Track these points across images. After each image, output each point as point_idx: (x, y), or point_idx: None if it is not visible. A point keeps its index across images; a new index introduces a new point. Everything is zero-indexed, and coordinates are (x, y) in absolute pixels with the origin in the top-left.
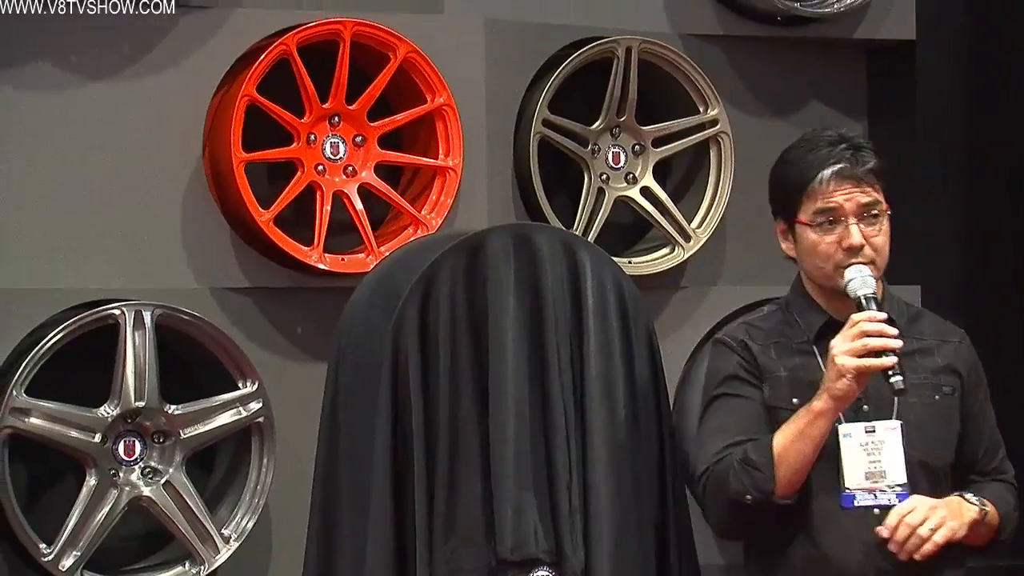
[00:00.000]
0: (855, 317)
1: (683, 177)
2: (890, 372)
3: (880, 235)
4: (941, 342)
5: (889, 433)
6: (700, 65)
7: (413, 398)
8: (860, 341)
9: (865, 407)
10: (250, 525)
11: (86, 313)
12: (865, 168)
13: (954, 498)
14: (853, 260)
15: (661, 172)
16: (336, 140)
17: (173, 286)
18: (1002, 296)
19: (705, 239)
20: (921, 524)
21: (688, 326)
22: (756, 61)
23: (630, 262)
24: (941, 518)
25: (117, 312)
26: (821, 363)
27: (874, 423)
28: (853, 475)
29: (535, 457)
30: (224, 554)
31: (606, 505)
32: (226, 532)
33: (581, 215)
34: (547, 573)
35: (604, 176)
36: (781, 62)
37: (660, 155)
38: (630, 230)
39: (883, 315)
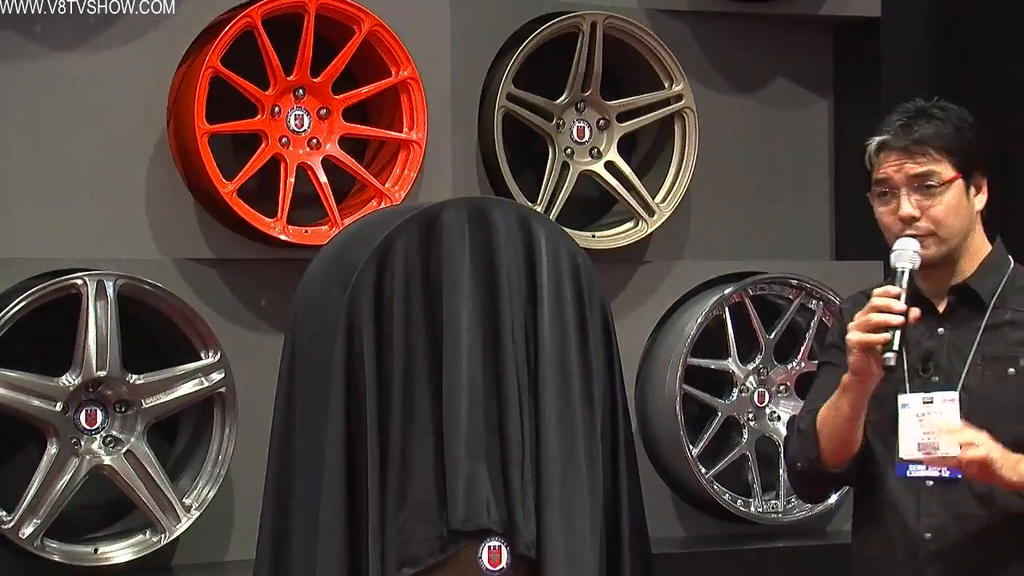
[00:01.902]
0: (875, 291)
1: (648, 152)
2: (884, 348)
3: (939, 206)
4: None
5: (946, 404)
6: (665, 40)
7: (367, 370)
8: (867, 316)
9: (935, 377)
10: (211, 494)
11: (48, 283)
12: (914, 137)
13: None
14: (910, 232)
15: (626, 147)
16: (300, 112)
17: (136, 256)
18: None
19: (669, 214)
20: (968, 444)
21: (652, 300)
22: (721, 37)
23: (594, 236)
24: (984, 442)
25: (79, 282)
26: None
27: (932, 394)
28: (907, 445)
29: (488, 429)
30: (185, 523)
31: (558, 478)
32: (187, 501)
33: (545, 189)
34: (499, 544)
35: (569, 150)
36: (746, 38)
37: (625, 130)
38: (594, 204)
39: (896, 289)
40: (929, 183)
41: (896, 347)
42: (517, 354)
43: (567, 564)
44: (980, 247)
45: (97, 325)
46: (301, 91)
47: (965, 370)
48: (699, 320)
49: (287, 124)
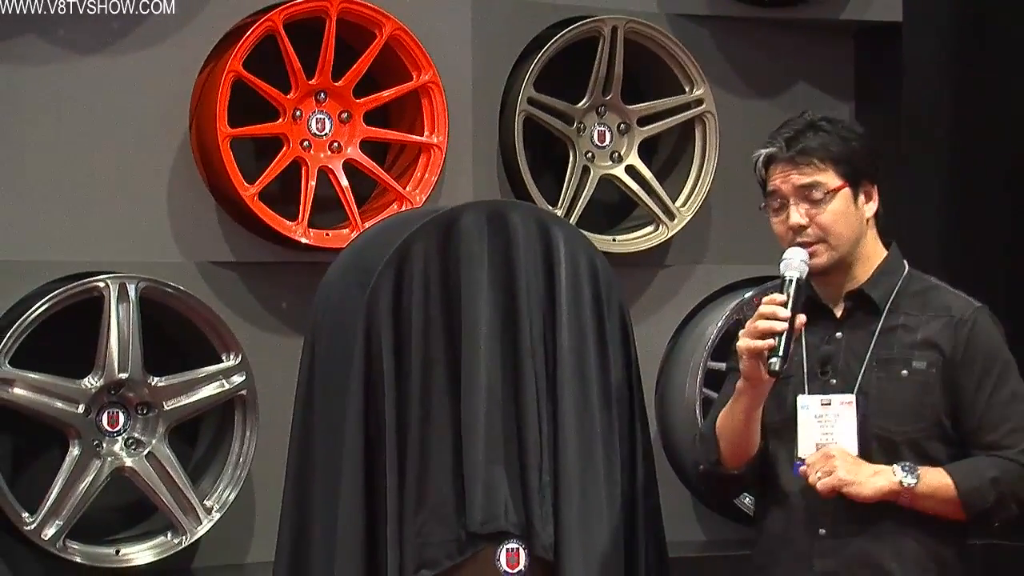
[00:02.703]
0: (763, 299)
1: (668, 156)
2: (769, 354)
3: (826, 215)
4: (931, 317)
5: (843, 407)
6: (686, 45)
7: (386, 373)
8: (754, 323)
9: (833, 380)
10: (232, 496)
11: (71, 285)
12: (799, 149)
13: (881, 465)
14: (800, 240)
15: (646, 151)
16: (322, 116)
17: (158, 259)
18: (988, 277)
19: (689, 218)
20: (816, 470)
21: (672, 304)
22: (743, 42)
23: (614, 240)
24: (832, 467)
25: (102, 284)
26: (803, 335)
27: (831, 396)
28: (805, 445)
29: (506, 432)
30: (206, 525)
31: (576, 481)
32: (208, 503)
33: (566, 193)
34: (516, 546)
35: (589, 154)
36: (768, 43)
37: (645, 134)
38: (615, 208)
39: (782, 297)
40: (815, 193)
41: (781, 353)
42: (535, 357)
43: (585, 566)
44: (874, 253)
45: (119, 328)
46: (323, 95)
47: (861, 373)
48: (719, 324)
49: (308, 128)
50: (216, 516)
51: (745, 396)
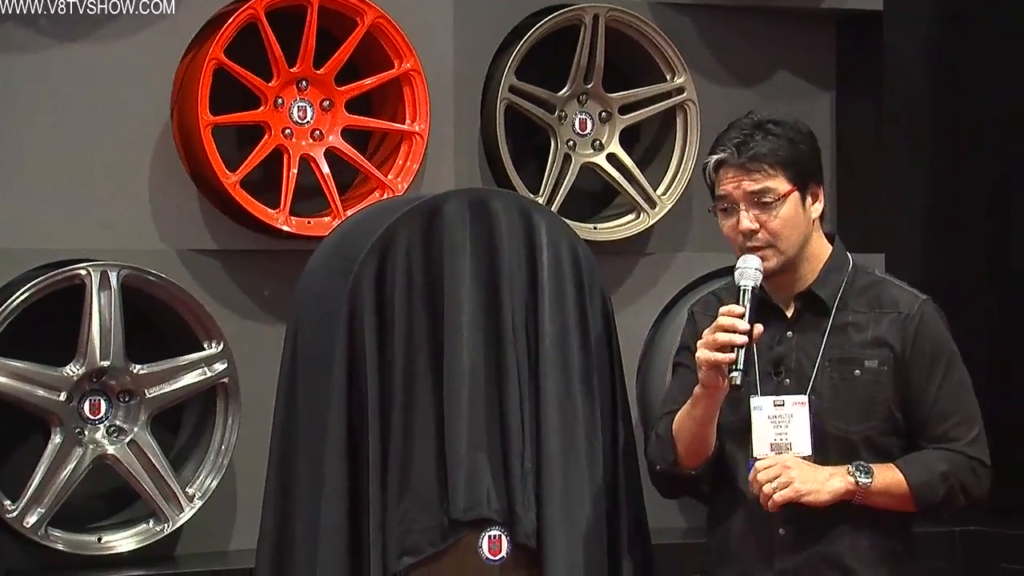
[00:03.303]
0: (721, 310)
1: (649, 144)
2: (731, 367)
3: (775, 220)
4: (880, 314)
5: (796, 407)
6: (667, 33)
7: (368, 360)
8: (713, 335)
9: (787, 380)
10: (214, 484)
11: (52, 273)
12: (750, 155)
13: (837, 467)
14: (750, 244)
15: (628, 139)
16: (303, 104)
17: (140, 247)
18: (967, 264)
19: (671, 206)
20: (770, 481)
21: (653, 292)
22: (724, 30)
23: (596, 228)
24: (789, 479)
25: (83, 272)
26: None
27: (784, 397)
28: (760, 446)
29: (488, 419)
30: (188, 512)
31: (558, 468)
32: (190, 491)
33: (547, 181)
34: (499, 533)
35: (571, 142)
36: (749, 31)
37: (627, 122)
38: (596, 196)
39: (741, 309)
40: (765, 199)
41: (741, 367)
42: (518, 345)
43: (567, 554)
44: (820, 251)
45: (101, 315)
46: (304, 83)
47: (814, 373)
48: None
49: (290, 116)
50: (198, 504)
51: (702, 402)
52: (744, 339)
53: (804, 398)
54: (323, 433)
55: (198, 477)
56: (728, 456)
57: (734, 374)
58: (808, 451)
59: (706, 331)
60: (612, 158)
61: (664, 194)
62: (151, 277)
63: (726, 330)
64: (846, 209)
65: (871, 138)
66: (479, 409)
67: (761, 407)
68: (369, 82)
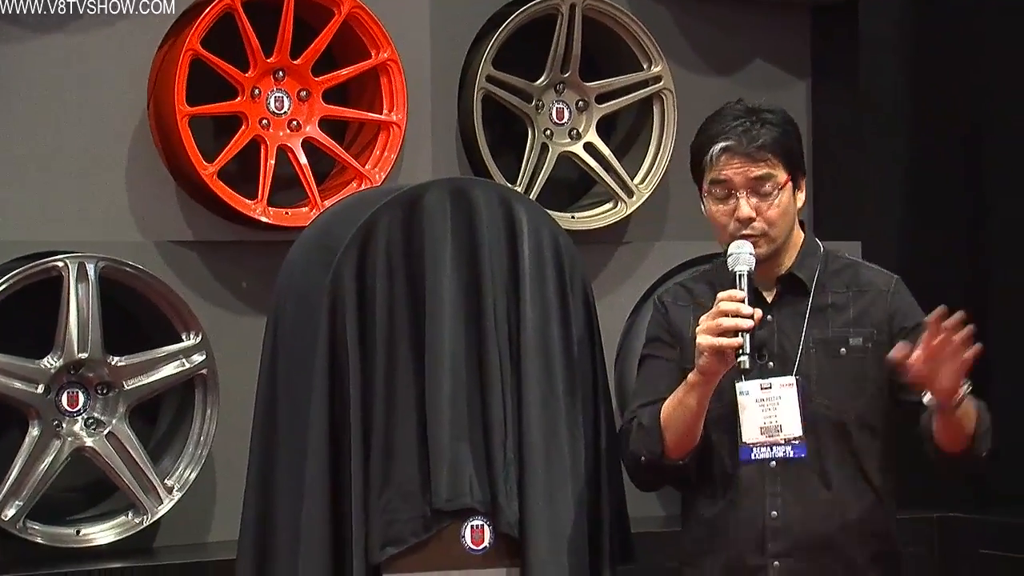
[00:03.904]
0: (720, 295)
1: (626, 133)
2: (739, 351)
3: (773, 208)
4: (859, 293)
5: (785, 389)
6: (644, 22)
7: (350, 351)
8: (716, 320)
9: (770, 363)
10: (193, 476)
11: (30, 265)
12: (757, 143)
13: None
14: (744, 231)
15: (605, 128)
16: (280, 94)
17: (117, 239)
18: (943, 252)
19: (648, 195)
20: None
21: (631, 281)
22: (700, 19)
23: (573, 217)
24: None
25: (60, 264)
26: None
27: (771, 379)
28: (750, 430)
29: (471, 410)
30: (167, 504)
31: (540, 457)
32: (169, 483)
33: (525, 170)
34: (481, 523)
35: (548, 132)
36: (725, 20)
37: (603, 111)
38: (574, 185)
39: (741, 294)
40: (766, 187)
41: (748, 351)
42: (499, 334)
43: (549, 543)
44: (797, 237)
45: (79, 307)
46: (281, 73)
47: (798, 354)
48: None
49: (267, 106)
50: (177, 495)
51: (698, 390)
52: (751, 323)
53: (792, 379)
54: (305, 424)
55: (177, 469)
56: (714, 444)
57: (743, 358)
58: (799, 432)
59: (703, 318)
60: (589, 147)
61: (641, 183)
62: (129, 269)
63: (729, 315)
64: (822, 197)
65: (847, 126)
66: (461, 399)
67: (748, 391)
68: (346, 72)
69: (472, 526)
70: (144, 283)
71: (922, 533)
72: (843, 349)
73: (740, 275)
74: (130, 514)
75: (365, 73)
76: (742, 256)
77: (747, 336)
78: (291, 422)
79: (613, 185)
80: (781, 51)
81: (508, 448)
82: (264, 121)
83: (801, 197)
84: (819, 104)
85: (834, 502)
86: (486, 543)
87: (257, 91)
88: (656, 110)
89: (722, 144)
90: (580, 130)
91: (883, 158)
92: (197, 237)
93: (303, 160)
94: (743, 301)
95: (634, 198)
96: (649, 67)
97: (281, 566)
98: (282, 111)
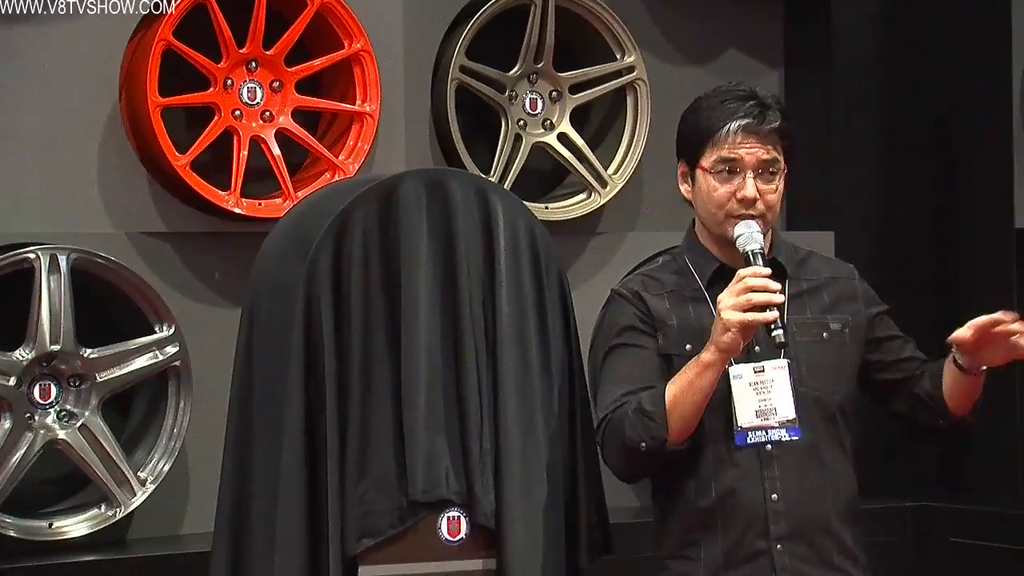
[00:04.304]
0: (741, 272)
1: (600, 124)
2: (772, 326)
3: (774, 193)
4: (830, 279)
5: (777, 371)
6: (617, 12)
7: (326, 342)
8: (744, 296)
9: (756, 348)
10: (167, 468)
11: (1, 257)
12: (770, 127)
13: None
14: (744, 212)
15: (578, 118)
16: (253, 85)
17: (90, 230)
18: (915, 243)
19: (621, 185)
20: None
21: (604, 271)
22: (674, 9)
23: (547, 208)
24: None
25: (32, 256)
26: (713, 309)
27: (763, 363)
28: (745, 414)
29: (447, 401)
30: (140, 497)
31: (517, 448)
32: (142, 475)
33: (498, 161)
34: (458, 514)
35: (521, 122)
36: (698, 9)
37: (577, 101)
38: (547, 176)
39: (767, 270)
40: (772, 169)
41: (782, 325)
42: (475, 325)
43: (526, 534)
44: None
45: (50, 299)
46: (254, 64)
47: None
48: None
49: (240, 97)
50: (150, 488)
51: (714, 370)
52: (783, 297)
53: (784, 362)
54: (280, 416)
55: (150, 461)
56: (706, 430)
57: (778, 332)
58: (793, 415)
59: (725, 295)
60: (563, 138)
61: (615, 173)
62: (101, 260)
63: (757, 290)
64: (795, 187)
65: (820, 116)
66: (437, 391)
67: (741, 375)
68: (319, 63)
69: (449, 517)
70: (117, 275)
71: (894, 522)
72: (825, 334)
73: (754, 253)
74: (103, 507)
75: (338, 63)
76: (754, 235)
77: (776, 311)
78: (267, 413)
79: (587, 175)
80: (754, 41)
81: (484, 439)
82: (237, 112)
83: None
84: (792, 93)
85: (828, 484)
86: (462, 534)
87: (230, 82)
88: (630, 100)
89: (741, 122)
90: (554, 120)
91: (856, 148)
92: (170, 228)
93: (276, 151)
94: (768, 277)
95: (608, 188)
96: (622, 57)
97: (257, 558)
98: (255, 102)
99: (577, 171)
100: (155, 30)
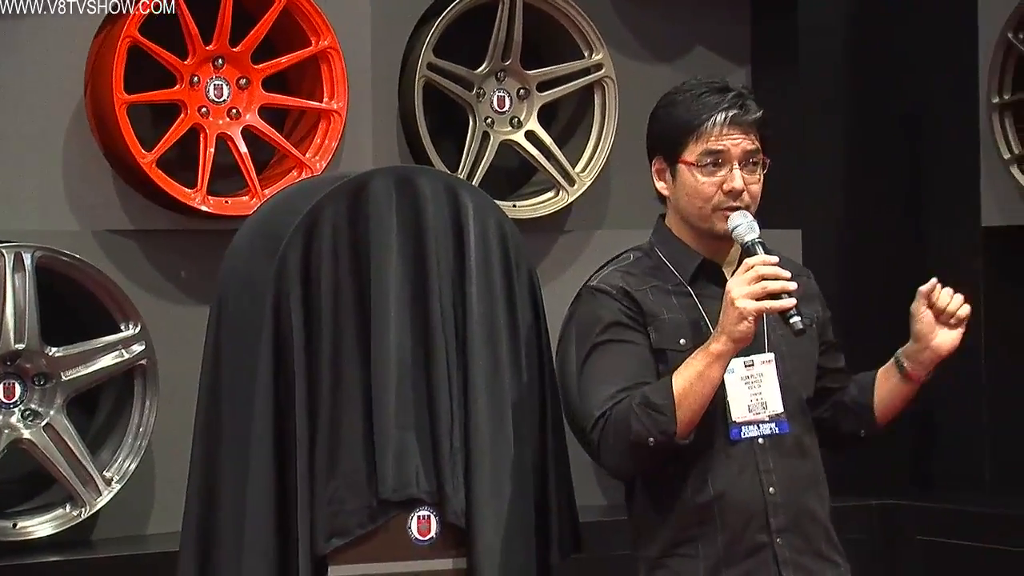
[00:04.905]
0: (749, 261)
1: (568, 121)
2: (789, 313)
3: (757, 184)
4: (796, 278)
5: (765, 365)
6: (585, 10)
7: (295, 340)
8: (759, 284)
9: None
10: (132, 467)
11: None
12: (752, 117)
13: None
14: (732, 204)
15: (546, 116)
16: (220, 82)
17: (55, 228)
18: (882, 240)
19: (589, 183)
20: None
21: (572, 269)
22: (641, 6)
23: (515, 206)
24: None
25: None
26: (699, 303)
27: (752, 357)
28: (738, 408)
29: (417, 399)
30: (106, 496)
31: (487, 447)
32: (108, 474)
33: (466, 159)
34: (428, 513)
35: (489, 120)
36: (665, 7)
37: (545, 99)
38: (515, 174)
39: (775, 258)
40: (755, 159)
41: (798, 311)
42: (445, 323)
43: (496, 532)
44: None
45: (15, 297)
46: (220, 61)
47: (766, 332)
48: None
49: (206, 94)
50: (116, 487)
51: (723, 361)
52: (795, 285)
53: (771, 356)
54: (249, 414)
55: (116, 460)
56: (700, 425)
57: (796, 318)
58: (781, 408)
59: (736, 284)
60: (530, 135)
61: (583, 171)
62: (66, 258)
63: (769, 278)
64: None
65: (786, 114)
66: (407, 389)
67: (733, 370)
68: (286, 60)
69: (419, 516)
70: (82, 272)
71: (861, 520)
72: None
73: (757, 242)
74: (68, 507)
75: (305, 61)
76: (752, 224)
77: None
78: (235, 411)
79: (554, 173)
80: (721, 38)
81: (455, 438)
82: (203, 109)
83: None
84: (759, 91)
85: (813, 476)
86: (433, 534)
87: (196, 79)
88: (597, 98)
89: (727, 113)
90: (521, 118)
91: (823, 146)
92: (136, 226)
93: (243, 148)
94: (777, 265)
95: (575, 187)
96: (590, 55)
97: (225, 558)
98: (221, 99)
99: (545, 169)
100: (121, 26)
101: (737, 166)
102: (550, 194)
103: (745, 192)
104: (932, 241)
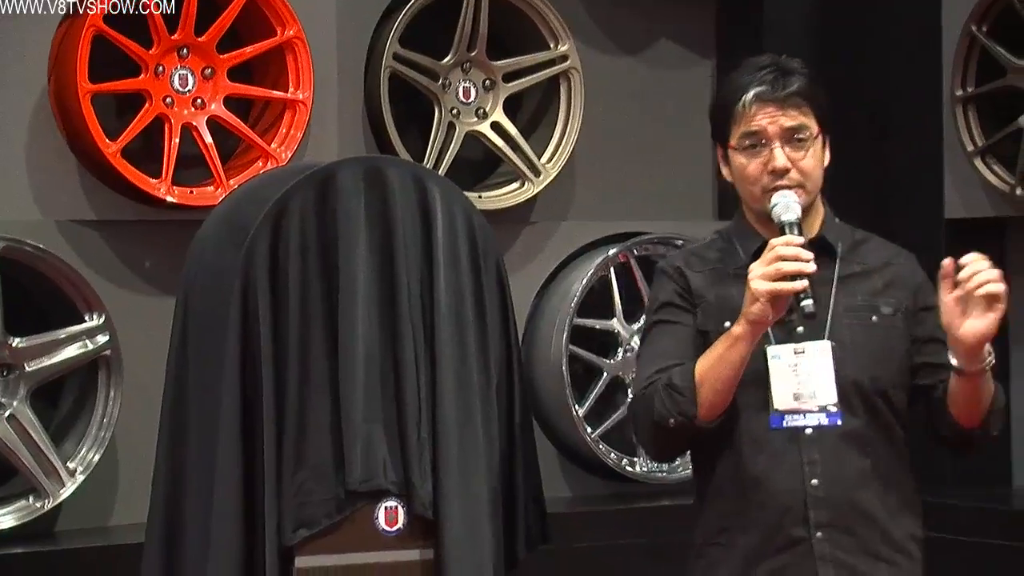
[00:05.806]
0: (773, 241)
1: (533, 112)
2: (801, 296)
3: (808, 158)
4: (885, 265)
5: (819, 354)
6: (551, 1)
7: (263, 331)
8: (774, 265)
9: (799, 328)
10: (96, 458)
11: None
12: (788, 91)
13: None
14: (779, 183)
15: (512, 107)
16: (185, 72)
17: (18, 218)
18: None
19: (555, 174)
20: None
21: (538, 260)
22: None
23: (480, 196)
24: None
25: None
26: None
27: (804, 344)
28: (781, 396)
29: (384, 390)
30: (70, 487)
31: (454, 438)
32: (72, 465)
33: (432, 149)
34: (395, 504)
35: (455, 111)
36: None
37: (511, 90)
38: (481, 165)
39: (800, 239)
40: (801, 135)
41: (812, 295)
42: (413, 314)
43: (464, 523)
44: (820, 202)
45: None
46: (185, 50)
47: (829, 320)
48: (584, 281)
49: (171, 84)
50: (80, 478)
51: (744, 343)
52: (814, 267)
53: (827, 344)
54: (216, 405)
55: (79, 451)
56: (740, 412)
57: (807, 302)
58: (834, 399)
59: (755, 264)
60: (496, 126)
61: (548, 162)
62: (29, 248)
63: (788, 259)
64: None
65: None
66: (375, 380)
67: (779, 356)
68: (251, 50)
69: (386, 507)
70: (45, 263)
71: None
72: (874, 317)
73: (791, 223)
74: (31, 498)
75: (271, 51)
76: (791, 205)
77: (807, 281)
78: (202, 402)
79: (520, 164)
80: (687, 31)
81: (422, 429)
82: (168, 99)
83: (827, 156)
84: (811, 70)
85: (873, 473)
86: (400, 524)
87: (161, 68)
88: (563, 89)
89: (755, 91)
90: (487, 109)
91: None
92: (100, 216)
93: (208, 139)
94: (801, 247)
95: (541, 178)
96: (556, 46)
97: (191, 550)
98: (186, 89)
99: (510, 160)
100: (85, 15)
101: (778, 144)
102: (516, 185)
103: (793, 170)
104: (896, 233)
